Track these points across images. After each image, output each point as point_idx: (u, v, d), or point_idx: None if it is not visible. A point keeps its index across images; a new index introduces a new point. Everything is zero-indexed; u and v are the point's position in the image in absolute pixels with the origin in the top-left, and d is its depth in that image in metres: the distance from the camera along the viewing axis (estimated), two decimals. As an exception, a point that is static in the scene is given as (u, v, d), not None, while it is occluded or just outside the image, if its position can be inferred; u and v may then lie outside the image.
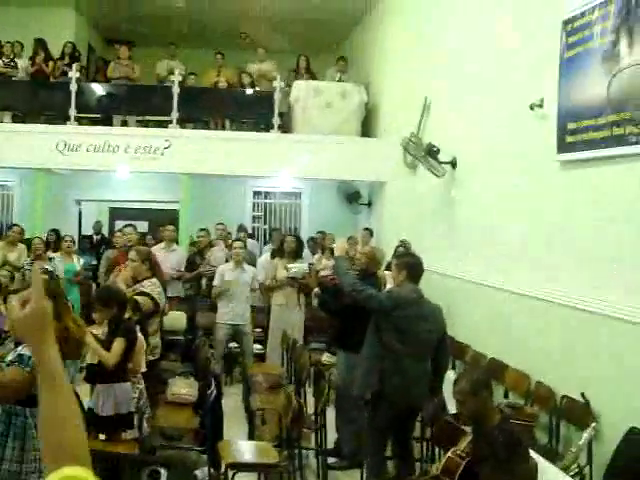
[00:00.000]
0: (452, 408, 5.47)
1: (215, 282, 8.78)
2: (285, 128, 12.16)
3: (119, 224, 13.38)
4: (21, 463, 3.83)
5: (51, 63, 12.41)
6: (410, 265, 5.46)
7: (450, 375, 6.08)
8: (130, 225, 9.78)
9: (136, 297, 6.05)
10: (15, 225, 10.63)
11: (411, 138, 9.46)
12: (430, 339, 5.32)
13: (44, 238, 10.50)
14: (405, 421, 5.41)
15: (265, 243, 13.47)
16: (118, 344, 5.07)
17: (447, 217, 8.69)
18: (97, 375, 5.24)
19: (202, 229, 10.63)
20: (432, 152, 8.56)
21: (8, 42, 12.43)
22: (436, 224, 9.07)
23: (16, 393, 3.82)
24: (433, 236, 9.06)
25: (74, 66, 11.94)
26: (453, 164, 8.49)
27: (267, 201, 14.85)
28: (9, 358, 3.87)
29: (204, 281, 9.75)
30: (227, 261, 9.30)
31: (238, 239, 9.79)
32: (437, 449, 5.52)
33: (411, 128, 9.70)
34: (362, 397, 5.45)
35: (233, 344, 8.91)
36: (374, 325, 5.33)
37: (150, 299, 6.23)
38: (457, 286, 8.08)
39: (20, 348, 3.88)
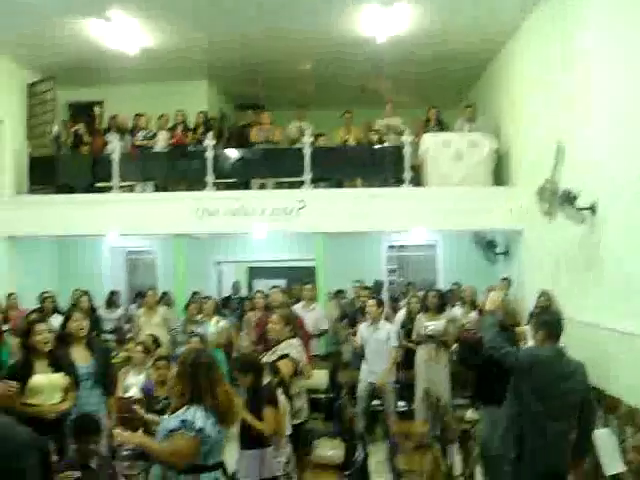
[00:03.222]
0: (609, 469, 5.23)
1: (356, 340, 8.87)
2: (416, 181, 12.17)
3: (258, 283, 13.75)
4: None
5: (190, 134, 13.04)
6: (548, 324, 5.29)
7: (603, 433, 5.82)
8: (276, 286, 9.97)
9: (279, 363, 6.15)
10: (150, 289, 11.10)
11: (546, 185, 9.25)
12: (572, 399, 5.11)
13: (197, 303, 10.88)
14: None
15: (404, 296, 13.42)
16: (268, 412, 5.18)
17: (591, 265, 8.36)
18: (240, 441, 5.35)
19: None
20: (569, 199, 8.32)
21: (141, 115, 13.19)
22: (579, 272, 8.74)
23: (185, 459, 3.95)
24: (576, 285, 8.74)
25: (209, 134, 12.46)
26: (593, 209, 8.20)
27: (402, 254, 14.87)
28: (171, 425, 3.99)
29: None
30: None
31: (374, 297, 9.73)
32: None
33: (545, 173, 9.49)
34: (504, 457, 5.31)
35: (376, 402, 8.87)
36: (513, 384, 5.20)
37: (290, 360, 6.32)
38: (606, 336, 7.73)
39: (181, 413, 4.01)
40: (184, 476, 3.96)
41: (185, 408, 4.01)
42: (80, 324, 6.05)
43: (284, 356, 6.34)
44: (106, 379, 6.22)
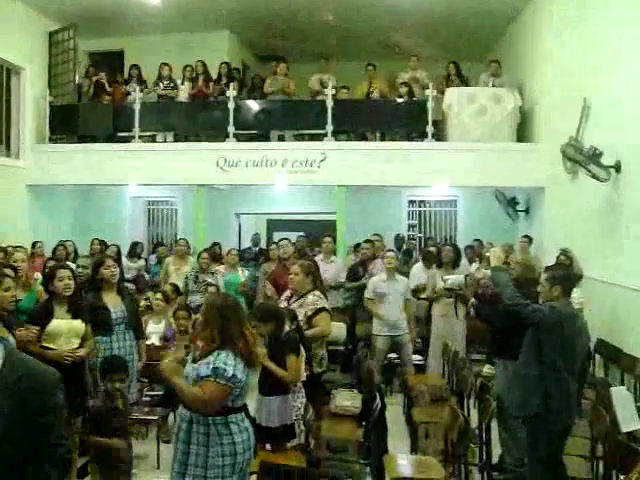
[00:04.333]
0: (625, 426, 5.23)
1: (367, 294, 8.82)
2: (439, 136, 12.07)
3: (277, 236, 13.75)
4: (205, 469, 3.98)
5: (211, 85, 12.97)
6: (565, 279, 5.27)
7: (619, 390, 5.81)
8: (285, 239, 9.93)
9: (316, 317, 6.16)
10: (181, 239, 11.15)
11: (570, 142, 9.14)
12: (583, 354, 5.15)
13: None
14: (563, 440, 5.21)
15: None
16: (292, 360, 5.24)
17: (613, 224, 8.30)
18: (260, 387, 5.41)
19: (367, 240, 10.67)
20: (594, 156, 8.22)
21: (166, 65, 13.06)
22: (601, 231, 8.68)
23: (214, 406, 3.99)
24: (598, 244, 8.69)
25: (231, 85, 12.39)
26: (617, 168, 8.11)
27: (422, 209, 14.83)
28: (202, 372, 3.99)
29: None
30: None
31: (391, 250, 9.65)
32: (609, 469, 5.26)
33: (570, 131, 9.38)
34: (516, 416, 5.35)
35: (393, 355, 8.91)
36: (534, 341, 5.16)
37: (328, 313, 6.33)
38: (626, 295, 7.71)
39: (212, 360, 4.00)
40: (212, 417, 4.00)
41: (216, 354, 4.01)
42: (113, 271, 6.12)
43: (320, 310, 6.31)
44: (135, 324, 6.33)
